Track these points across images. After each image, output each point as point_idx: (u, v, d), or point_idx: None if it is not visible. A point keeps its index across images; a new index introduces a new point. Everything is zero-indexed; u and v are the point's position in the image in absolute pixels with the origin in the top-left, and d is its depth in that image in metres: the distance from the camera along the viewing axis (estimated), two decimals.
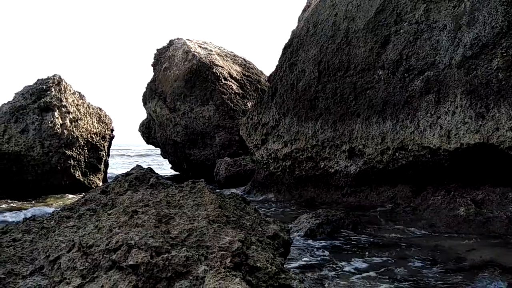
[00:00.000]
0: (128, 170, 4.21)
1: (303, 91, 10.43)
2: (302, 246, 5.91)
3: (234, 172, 13.56)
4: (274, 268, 2.58)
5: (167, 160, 19.13)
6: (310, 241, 6.16)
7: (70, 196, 12.86)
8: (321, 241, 6.12)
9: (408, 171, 8.03)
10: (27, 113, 12.57)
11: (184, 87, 15.72)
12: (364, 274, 4.67)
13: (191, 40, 16.80)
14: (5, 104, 12.94)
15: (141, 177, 3.80)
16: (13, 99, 12.94)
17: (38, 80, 13.27)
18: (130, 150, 63.14)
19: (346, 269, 4.88)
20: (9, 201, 11.75)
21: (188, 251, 2.56)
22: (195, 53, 15.85)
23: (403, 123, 7.82)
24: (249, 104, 16.24)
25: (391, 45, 8.25)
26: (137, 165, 4.06)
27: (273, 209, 9.68)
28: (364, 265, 5.00)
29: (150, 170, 3.96)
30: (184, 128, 15.97)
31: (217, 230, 2.82)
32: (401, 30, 8.08)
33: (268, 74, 13.38)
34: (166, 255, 2.50)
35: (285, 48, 11.80)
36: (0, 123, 12.33)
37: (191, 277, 2.43)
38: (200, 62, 15.79)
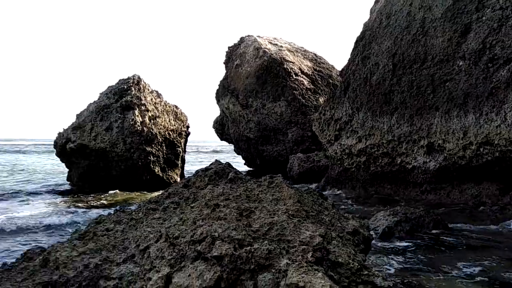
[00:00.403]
0: (203, 166, 4.35)
1: (377, 84, 10.15)
2: (381, 245, 5.76)
3: (307, 168, 13.54)
4: (356, 264, 2.56)
5: (240, 156, 19.50)
6: (388, 240, 5.98)
7: (149, 191, 13.51)
8: (402, 241, 5.90)
9: (495, 168, 7.55)
10: (111, 112, 13.37)
11: (256, 83, 15.91)
12: (477, 279, 4.25)
13: (261, 37, 16.94)
14: (91, 103, 13.87)
15: (220, 172, 3.91)
16: (98, 99, 13.83)
17: (119, 80, 14.07)
18: (205, 147, 65.06)
19: (453, 273, 4.47)
20: (96, 193, 12.59)
21: (270, 244, 2.61)
22: (266, 50, 15.97)
23: (487, 116, 7.36)
24: (321, 100, 16.10)
25: (473, 33, 7.80)
26: (216, 160, 4.18)
27: (348, 205, 9.54)
28: (469, 269, 4.58)
29: (229, 165, 4.06)
30: (256, 124, 16.18)
31: (297, 225, 2.85)
32: (484, 17, 7.61)
33: (339, 69, 13.19)
34: (249, 247, 2.56)
35: (357, 42, 11.56)
36: (88, 121, 13.24)
37: (273, 270, 2.48)
38: (271, 58, 15.89)
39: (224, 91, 17.43)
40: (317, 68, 17.34)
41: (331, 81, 17.02)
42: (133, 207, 4.23)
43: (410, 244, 5.73)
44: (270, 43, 16.46)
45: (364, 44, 11.12)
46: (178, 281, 2.60)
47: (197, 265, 2.64)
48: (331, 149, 11.75)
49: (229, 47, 17.35)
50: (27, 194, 12.49)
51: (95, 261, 3.09)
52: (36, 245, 5.38)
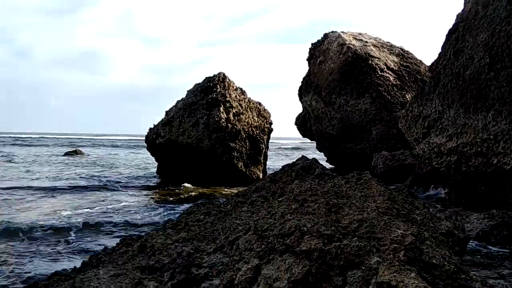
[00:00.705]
0: (284, 162, 4.38)
1: (471, 80, 9.53)
2: (474, 249, 5.43)
3: (392, 166, 13.09)
4: (452, 266, 2.44)
5: (322, 153, 19.35)
6: (482, 245, 5.61)
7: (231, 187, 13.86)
8: (498, 247, 5.49)
9: None
10: (197, 109, 13.90)
11: (339, 80, 15.67)
12: None
13: (345, 33, 16.63)
14: (179, 100, 14.53)
15: (307, 167, 3.92)
16: (186, 96, 14.45)
17: (206, 78, 14.58)
18: (287, 143, 65.39)
19: None
20: (183, 186, 13.17)
21: (359, 241, 2.57)
22: (350, 46, 15.66)
23: None
24: (408, 96, 15.47)
25: None
26: (302, 156, 4.20)
27: (436, 206, 9.10)
28: None
29: (315, 161, 4.06)
30: (339, 121, 15.95)
31: (387, 222, 2.78)
32: None
33: (428, 64, 12.56)
34: (338, 243, 2.55)
35: (449, 34, 10.91)
36: (176, 117, 13.89)
37: (363, 267, 2.44)
38: (355, 54, 15.55)
39: (307, 88, 17.39)
40: (404, 64, 16.68)
41: (419, 76, 16.28)
42: (221, 200, 4.39)
43: (508, 251, 5.33)
44: (355, 38, 16.11)
45: (457, 37, 10.48)
46: (267, 273, 2.65)
47: (286, 258, 2.68)
48: (418, 148, 11.24)
49: (312, 44, 17.26)
50: (118, 186, 13.38)
51: (187, 249, 3.25)
52: (130, 234, 5.76)
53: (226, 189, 13.06)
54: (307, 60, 17.68)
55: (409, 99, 13.72)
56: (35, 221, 7.73)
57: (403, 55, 17.31)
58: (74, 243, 6.42)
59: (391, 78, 15.96)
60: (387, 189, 3.34)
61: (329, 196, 3.16)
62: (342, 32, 16.38)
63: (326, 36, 17.12)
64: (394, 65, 16.46)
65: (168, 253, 3.30)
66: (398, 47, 17.61)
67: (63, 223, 7.74)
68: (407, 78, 16.37)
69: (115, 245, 4.21)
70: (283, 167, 4.14)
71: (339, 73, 15.57)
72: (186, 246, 3.34)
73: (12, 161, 23.23)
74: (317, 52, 17.12)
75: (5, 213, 8.51)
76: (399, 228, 2.73)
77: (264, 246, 2.86)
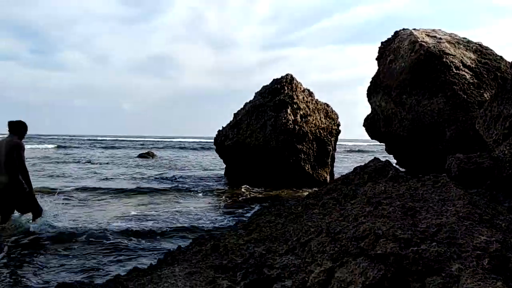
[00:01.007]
0: (352, 164, 4.29)
1: None
2: None
3: (467, 170, 12.36)
4: None
5: (391, 155, 18.72)
6: None
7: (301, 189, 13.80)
8: None
9: None
10: (265, 111, 14.00)
11: (411, 79, 15.05)
12: None
13: (417, 30, 15.96)
14: (247, 103, 14.72)
15: (379, 169, 3.82)
16: (254, 98, 14.61)
17: (273, 80, 14.65)
18: (354, 146, 64.16)
19: None
20: (250, 188, 13.32)
21: (439, 246, 2.46)
22: (423, 43, 15.00)
23: None
24: (486, 95, 14.56)
25: None
26: (375, 158, 4.10)
27: None
28: None
29: (388, 163, 3.95)
30: (410, 123, 15.32)
31: (469, 228, 2.64)
32: None
33: (509, 60, 11.76)
34: (416, 248, 2.46)
35: None
36: (244, 120, 14.08)
37: (443, 274, 2.33)
38: (428, 52, 14.88)
39: (376, 88, 16.90)
40: (482, 60, 15.72)
41: (499, 74, 15.27)
42: (290, 202, 4.39)
43: None
44: (428, 35, 15.44)
45: None
46: (341, 276, 2.62)
47: (360, 262, 2.62)
48: (498, 150, 10.54)
49: (382, 43, 16.74)
50: (188, 188, 13.78)
51: (259, 250, 3.28)
52: (201, 234, 5.90)
53: (293, 192, 13.03)
54: (376, 59, 17.17)
55: (487, 98, 12.92)
56: (109, 221, 8.18)
57: (481, 51, 16.32)
58: (145, 243, 6.69)
59: (468, 76, 15.11)
60: (467, 193, 3.17)
61: (405, 199, 3.06)
62: (414, 29, 15.75)
63: (396, 34, 16.53)
64: (471, 62, 15.56)
65: (241, 253, 3.35)
66: (475, 43, 16.63)
67: (134, 223, 8.11)
68: (485, 76, 15.41)
69: (188, 244, 4.36)
70: (355, 169, 4.06)
71: (411, 72, 14.95)
72: (258, 246, 3.38)
73: (91, 162, 24.78)
74: (387, 51, 16.58)
75: (81, 212, 9.08)
76: (482, 234, 2.58)
77: (337, 248, 2.82)
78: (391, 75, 17.56)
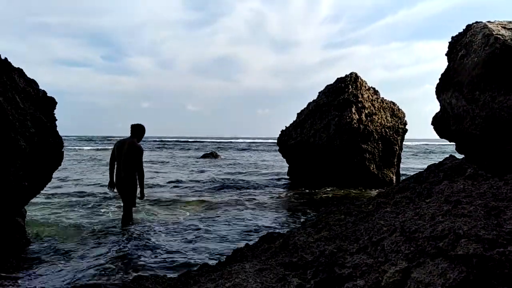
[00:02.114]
0: (415, 165, 4.11)
1: None
2: None
3: None
4: None
5: (462, 155, 17.81)
6: None
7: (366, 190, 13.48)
8: None
9: None
10: (329, 110, 13.83)
11: (484, 74, 14.20)
12: None
13: (492, 22, 15.07)
14: (310, 102, 14.61)
15: (456, 167, 3.64)
16: (317, 97, 14.47)
17: (337, 79, 14.44)
18: (419, 145, 61.89)
19: None
20: (314, 187, 13.21)
21: None
22: (498, 36, 14.13)
23: None
24: None
25: None
26: (450, 155, 3.91)
27: None
28: None
29: (466, 160, 3.74)
30: (484, 120, 14.46)
31: None
32: None
33: None
34: (502, 249, 2.30)
35: None
36: (307, 119, 13.99)
37: None
38: (504, 45, 13.98)
39: (446, 85, 16.10)
40: None
41: None
42: (361, 201, 4.29)
43: None
44: (504, 28, 14.53)
45: None
46: (418, 276, 2.50)
47: (439, 263, 2.50)
48: None
49: (452, 37, 15.93)
50: (251, 187, 13.90)
51: (330, 248, 3.23)
52: (269, 232, 5.92)
53: (358, 192, 12.77)
54: (446, 55, 16.36)
55: None
56: (177, 216, 8.43)
57: None
58: (208, 241, 6.82)
59: None
60: None
61: (486, 198, 2.87)
62: (489, 21, 14.88)
63: (468, 27, 15.64)
64: None
65: (311, 251, 3.31)
66: None
67: (196, 220, 8.30)
68: None
69: (255, 242, 4.38)
70: (429, 167, 3.89)
71: (484, 67, 14.10)
72: (328, 245, 3.32)
73: (152, 161, 25.73)
74: (458, 45, 15.73)
75: (155, 209, 9.43)
76: None
77: (413, 248, 2.71)
78: (463, 71, 16.60)
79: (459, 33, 17.15)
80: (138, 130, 7.61)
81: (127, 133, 7.70)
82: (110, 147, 46.81)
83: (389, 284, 2.65)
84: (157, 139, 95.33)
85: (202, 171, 19.68)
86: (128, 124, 7.62)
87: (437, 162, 3.97)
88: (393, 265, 2.74)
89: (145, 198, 7.95)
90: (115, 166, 7.52)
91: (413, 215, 3.02)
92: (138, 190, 7.56)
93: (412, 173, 4.92)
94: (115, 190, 7.61)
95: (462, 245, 2.44)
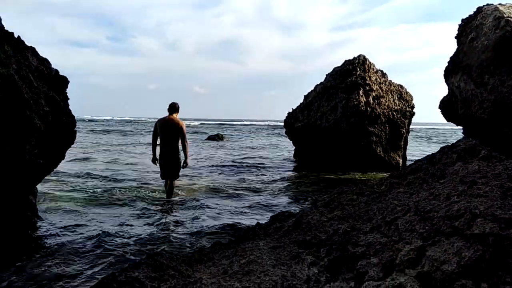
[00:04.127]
0: (421, 148, 4.11)
1: None
2: None
3: None
4: None
5: (470, 139, 17.76)
6: None
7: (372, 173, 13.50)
8: None
9: None
10: (336, 92, 13.78)
11: (494, 58, 14.07)
12: None
13: (503, 5, 14.86)
14: (318, 85, 14.55)
15: (470, 149, 3.65)
16: (325, 80, 14.41)
17: (345, 61, 14.35)
18: (423, 129, 61.69)
19: None
20: (320, 170, 13.26)
21: None
22: (509, 19, 13.95)
23: None
24: None
25: None
26: (464, 137, 3.92)
27: None
28: None
29: (480, 142, 3.75)
30: (492, 104, 14.39)
31: None
32: None
33: None
34: None
35: None
36: (314, 102, 13.96)
37: None
38: None
39: (455, 69, 15.97)
40: None
41: None
42: (372, 181, 4.32)
43: None
44: None
45: None
46: (433, 254, 2.54)
47: (454, 241, 2.53)
48: None
49: (462, 20, 15.73)
50: (256, 169, 13.95)
51: (343, 227, 3.27)
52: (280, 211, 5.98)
53: (364, 175, 12.80)
54: (455, 37, 16.20)
55: None
56: (186, 200, 8.51)
57: None
58: (222, 218, 6.90)
59: None
60: None
61: (502, 179, 2.89)
62: (500, 4, 14.68)
63: (479, 10, 15.45)
64: None
65: (324, 230, 3.36)
66: None
67: (208, 202, 8.38)
68: None
69: (268, 220, 4.43)
70: (442, 148, 3.91)
71: (494, 50, 13.96)
72: (341, 224, 3.36)
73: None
74: (468, 28, 15.56)
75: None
76: None
77: (427, 227, 2.74)
78: (472, 54, 16.44)
79: (470, 15, 16.96)
80: (176, 107, 8.46)
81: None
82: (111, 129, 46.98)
83: (403, 262, 2.69)
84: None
85: (207, 153, 19.75)
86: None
87: (450, 144, 3.98)
88: (408, 243, 2.78)
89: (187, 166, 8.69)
90: (159, 142, 8.43)
91: (427, 195, 3.05)
92: (182, 160, 8.44)
93: (415, 158, 4.93)
94: (157, 164, 8.53)
95: (478, 224, 2.47)
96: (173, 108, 8.43)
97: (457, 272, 2.35)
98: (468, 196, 2.75)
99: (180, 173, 8.84)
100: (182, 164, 8.45)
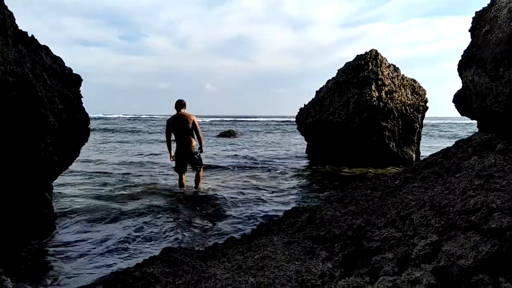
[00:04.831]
0: (434, 144, 4.06)
1: None
2: None
3: None
4: None
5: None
6: None
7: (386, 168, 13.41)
8: None
9: None
10: (348, 87, 13.69)
11: (509, 51, 13.90)
12: None
13: None
14: (330, 80, 14.48)
15: (486, 142, 3.60)
16: (337, 75, 14.32)
17: (357, 56, 14.25)
18: (439, 124, 61.07)
19: None
20: (333, 166, 13.20)
21: None
22: None
23: None
24: None
25: None
26: (479, 131, 3.86)
27: None
28: None
29: (496, 135, 3.70)
30: (507, 97, 14.21)
31: None
32: None
33: None
34: None
35: None
36: (326, 97, 13.89)
37: None
38: None
39: (469, 62, 15.76)
40: None
41: None
42: (386, 176, 4.29)
43: None
44: None
45: None
46: (449, 249, 2.52)
47: (470, 236, 2.51)
48: None
49: (476, 13, 15.52)
50: (270, 165, 13.94)
51: (358, 222, 3.26)
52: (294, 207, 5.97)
53: (378, 170, 12.72)
54: (469, 31, 15.98)
55: None
56: (201, 196, 8.54)
57: None
58: (231, 217, 6.92)
59: None
60: None
61: None
62: None
63: (493, 2, 15.23)
64: None
65: (338, 225, 3.35)
66: None
67: (223, 197, 8.40)
68: None
69: (282, 215, 4.43)
70: (457, 142, 3.86)
71: (509, 43, 13.79)
72: (355, 219, 3.35)
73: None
74: (482, 21, 15.35)
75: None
76: None
77: (443, 222, 2.72)
78: (486, 47, 16.21)
79: (484, 8, 16.73)
80: (180, 103, 8.80)
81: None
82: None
83: (419, 256, 2.67)
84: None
85: (219, 149, 19.80)
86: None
87: (465, 138, 3.93)
88: (423, 238, 2.76)
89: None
90: (174, 138, 8.81)
91: (442, 190, 3.02)
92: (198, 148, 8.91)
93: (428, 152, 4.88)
94: (173, 160, 8.94)
95: (495, 218, 2.44)
96: (180, 104, 8.80)
97: (474, 266, 2.32)
98: (485, 190, 2.71)
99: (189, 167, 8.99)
100: (199, 153, 8.95)
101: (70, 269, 4.37)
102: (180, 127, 8.66)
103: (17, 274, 4.17)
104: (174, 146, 9.02)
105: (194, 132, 8.82)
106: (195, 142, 8.85)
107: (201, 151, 9.02)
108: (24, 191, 4.57)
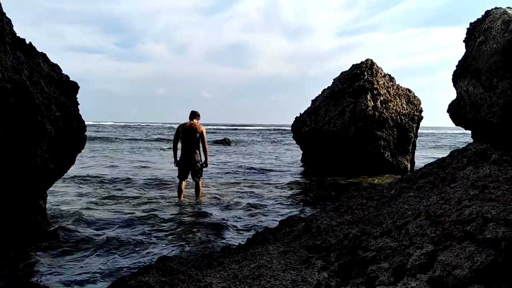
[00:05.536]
0: (428, 153, 4.10)
1: None
2: None
3: None
4: None
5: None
6: None
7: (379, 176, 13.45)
8: None
9: None
10: (344, 97, 13.76)
11: (503, 61, 13.98)
12: None
13: None
14: (325, 89, 14.55)
15: (480, 153, 3.63)
16: (332, 84, 14.40)
17: (352, 65, 14.33)
18: (434, 133, 61.36)
19: None
20: (328, 174, 13.22)
21: None
22: None
23: None
24: None
25: None
26: (474, 141, 3.90)
27: None
28: None
29: (491, 146, 3.74)
30: (502, 108, 14.30)
31: None
32: None
33: None
34: None
35: None
36: (322, 106, 13.95)
37: None
38: None
39: (463, 72, 15.87)
40: None
41: None
42: (382, 186, 4.31)
43: None
44: None
45: None
46: (445, 259, 2.53)
47: (466, 246, 2.52)
48: None
49: (470, 24, 15.66)
50: (264, 174, 13.94)
51: (354, 232, 3.26)
52: (290, 217, 5.96)
53: (372, 179, 12.75)
54: (464, 41, 16.11)
55: None
56: (197, 205, 8.52)
57: None
58: (234, 221, 6.91)
59: None
60: None
61: None
62: (508, 7, 14.62)
63: (488, 13, 15.38)
64: None
65: (334, 234, 3.35)
66: None
67: (218, 207, 8.39)
68: None
69: (277, 224, 4.43)
70: (452, 152, 3.89)
71: (503, 54, 13.86)
72: (351, 228, 3.36)
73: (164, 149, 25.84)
74: (476, 32, 15.47)
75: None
76: None
77: (439, 232, 2.73)
78: (481, 58, 16.34)
79: (478, 19, 16.84)
80: (194, 113, 9.12)
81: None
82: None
83: (415, 266, 2.68)
84: (170, 125, 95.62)
85: (214, 158, 19.78)
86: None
87: (460, 148, 3.96)
88: (419, 248, 2.77)
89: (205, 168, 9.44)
90: (181, 145, 9.05)
91: (438, 200, 3.04)
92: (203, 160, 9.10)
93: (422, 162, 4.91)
94: (176, 166, 9.10)
95: (490, 228, 2.46)
96: (194, 114, 9.13)
97: (469, 277, 2.33)
98: (480, 200, 2.73)
99: (189, 178, 8.93)
100: (203, 164, 9.11)
101: (62, 278, 4.34)
102: (188, 136, 8.89)
103: (7, 281, 4.13)
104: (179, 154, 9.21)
105: (200, 143, 9.02)
106: (199, 153, 9.06)
107: (206, 165, 9.20)
108: (19, 198, 4.55)
